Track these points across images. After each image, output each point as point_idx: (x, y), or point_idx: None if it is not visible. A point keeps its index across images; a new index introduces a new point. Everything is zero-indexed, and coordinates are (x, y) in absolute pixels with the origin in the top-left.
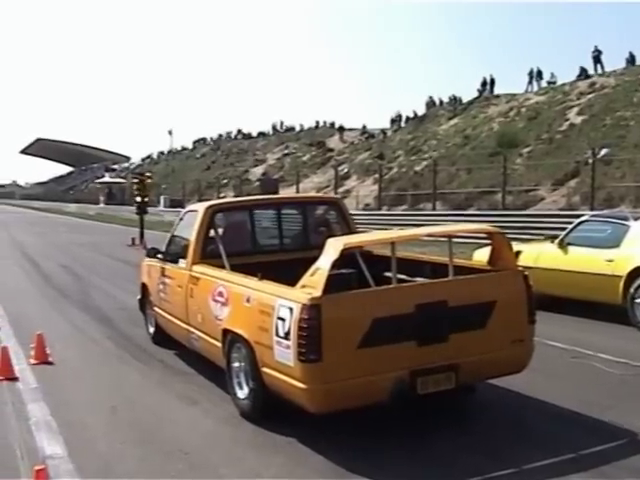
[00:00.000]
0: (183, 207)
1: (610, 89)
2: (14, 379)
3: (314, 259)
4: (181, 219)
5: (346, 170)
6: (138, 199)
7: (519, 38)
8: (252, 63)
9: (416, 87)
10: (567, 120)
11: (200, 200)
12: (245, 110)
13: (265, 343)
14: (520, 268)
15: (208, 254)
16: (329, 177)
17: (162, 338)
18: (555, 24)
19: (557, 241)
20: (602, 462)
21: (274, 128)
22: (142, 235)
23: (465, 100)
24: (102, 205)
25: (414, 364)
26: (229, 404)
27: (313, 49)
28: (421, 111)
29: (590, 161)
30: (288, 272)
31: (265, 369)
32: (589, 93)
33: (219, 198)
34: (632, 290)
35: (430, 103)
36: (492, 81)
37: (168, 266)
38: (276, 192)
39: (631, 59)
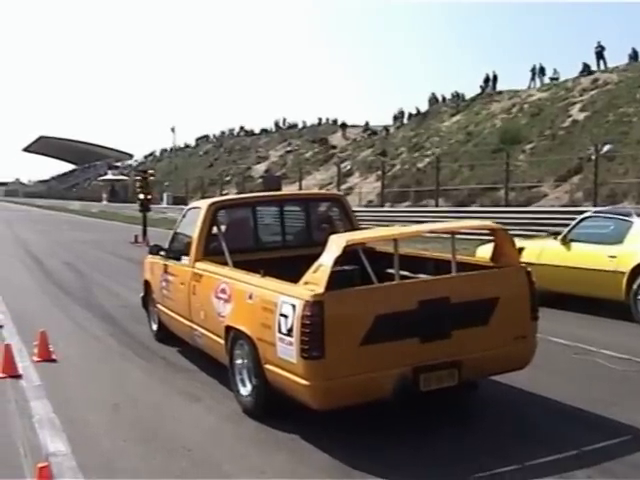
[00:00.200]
0: (186, 204)
1: (613, 85)
2: (17, 376)
3: (317, 256)
4: (184, 216)
5: (349, 167)
6: (141, 196)
7: (522, 34)
8: (254, 61)
9: (418, 84)
10: (570, 116)
11: (203, 197)
12: (247, 107)
13: (268, 340)
14: (523, 264)
15: (211, 251)
16: (332, 174)
17: (165, 335)
18: (558, 20)
19: (560, 237)
20: (605, 458)
21: (277, 125)
22: (145, 232)
23: (468, 97)
24: (105, 203)
25: (417, 361)
26: (232, 401)
27: (314, 48)
28: (424, 108)
29: (593, 157)
30: (291, 269)
31: (268, 366)
32: (592, 89)
33: (222, 195)
34: (635, 286)
35: (433, 100)
36: (495, 77)
37: (171, 263)
38: (279, 189)
39: (634, 55)
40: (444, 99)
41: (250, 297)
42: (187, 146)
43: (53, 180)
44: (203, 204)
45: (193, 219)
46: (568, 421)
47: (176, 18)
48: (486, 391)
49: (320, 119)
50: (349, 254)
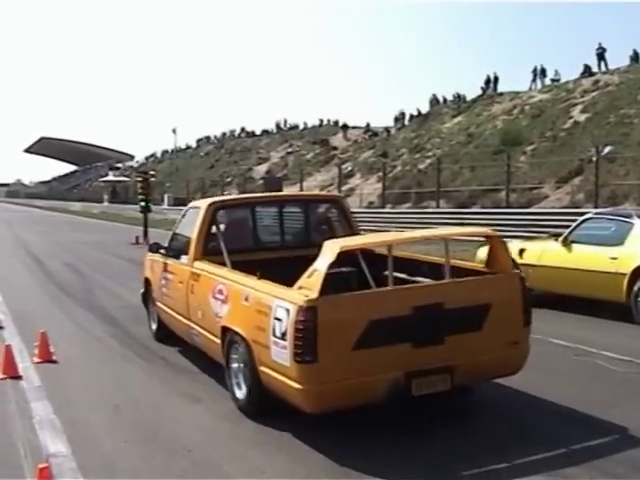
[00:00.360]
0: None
1: (614, 87)
2: (18, 377)
3: (315, 257)
4: (183, 215)
5: (350, 168)
6: (142, 197)
7: (523, 36)
8: (254, 62)
9: (419, 85)
10: (571, 118)
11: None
12: (249, 108)
13: (262, 342)
14: (516, 270)
15: (209, 251)
16: (333, 175)
17: (164, 335)
18: (559, 21)
19: (561, 239)
20: (605, 460)
21: (278, 126)
22: (146, 233)
23: (469, 98)
24: (106, 204)
25: (409, 366)
26: (232, 402)
27: (314, 48)
28: (425, 109)
29: (594, 159)
30: (289, 269)
31: (262, 368)
32: (593, 91)
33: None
34: (636, 288)
35: (434, 101)
36: (496, 79)
37: (170, 262)
38: (280, 190)
39: (635, 57)
40: (445, 100)
41: (246, 299)
42: (188, 147)
43: (54, 181)
44: (202, 204)
45: (192, 218)
46: (567, 422)
47: (177, 19)
48: (485, 392)
49: (321, 120)
50: (347, 256)
